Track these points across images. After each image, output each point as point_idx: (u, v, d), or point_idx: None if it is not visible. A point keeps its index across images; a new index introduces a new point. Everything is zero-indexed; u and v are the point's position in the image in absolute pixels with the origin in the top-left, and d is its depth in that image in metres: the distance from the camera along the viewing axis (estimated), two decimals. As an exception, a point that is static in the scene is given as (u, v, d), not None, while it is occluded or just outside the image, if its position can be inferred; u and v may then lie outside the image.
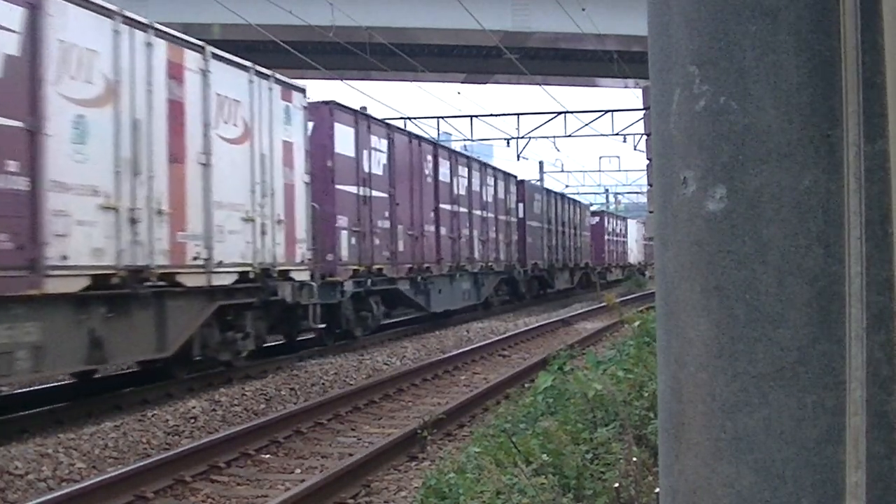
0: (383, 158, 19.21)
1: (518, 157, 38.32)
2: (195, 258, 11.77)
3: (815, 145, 1.65)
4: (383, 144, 19.30)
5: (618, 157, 76.98)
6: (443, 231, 22.82)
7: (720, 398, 1.70)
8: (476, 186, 26.07)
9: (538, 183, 37.65)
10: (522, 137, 36.01)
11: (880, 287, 1.61)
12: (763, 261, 1.67)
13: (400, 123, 31.90)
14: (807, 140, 1.65)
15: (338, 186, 16.75)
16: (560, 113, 34.95)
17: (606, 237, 45.52)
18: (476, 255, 25.62)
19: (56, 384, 12.27)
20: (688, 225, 1.75)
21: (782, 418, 1.65)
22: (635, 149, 36.92)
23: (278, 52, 26.54)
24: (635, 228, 57.48)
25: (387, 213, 19.15)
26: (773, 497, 1.66)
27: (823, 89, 1.65)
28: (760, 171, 1.67)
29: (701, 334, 1.72)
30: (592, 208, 51.43)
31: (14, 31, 8.92)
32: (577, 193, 60.28)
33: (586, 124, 35.15)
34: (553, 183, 57.96)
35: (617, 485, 4.50)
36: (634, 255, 56.52)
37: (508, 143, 36.33)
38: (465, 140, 38.27)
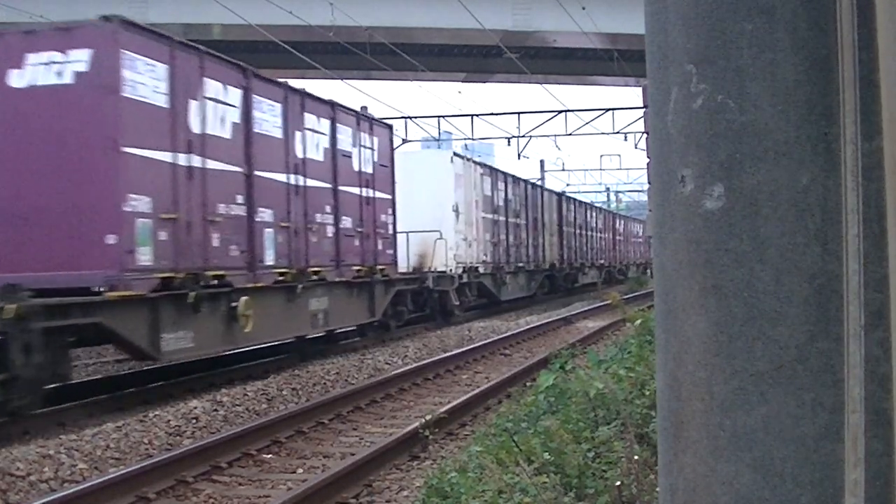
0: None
1: (519, 155, 38.25)
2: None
3: (812, 143, 1.65)
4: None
5: (619, 155, 76.10)
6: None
7: (719, 396, 1.70)
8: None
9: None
10: (523, 136, 35.89)
11: (878, 284, 1.60)
12: (761, 259, 1.66)
13: (400, 123, 31.92)
14: (804, 138, 1.65)
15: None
16: (561, 111, 34.83)
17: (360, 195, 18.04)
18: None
19: (57, 385, 12.25)
20: (685, 223, 1.74)
21: (781, 416, 1.65)
22: (636, 147, 36.87)
23: (279, 53, 26.51)
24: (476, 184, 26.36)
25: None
26: (772, 495, 1.66)
27: (820, 87, 1.64)
28: (758, 170, 1.67)
29: (699, 333, 1.72)
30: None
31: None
32: (579, 192, 58.67)
33: (587, 122, 35.07)
34: (554, 182, 57.23)
35: (619, 483, 4.50)
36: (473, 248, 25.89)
37: (509, 141, 36.18)
38: (466, 139, 38.17)
